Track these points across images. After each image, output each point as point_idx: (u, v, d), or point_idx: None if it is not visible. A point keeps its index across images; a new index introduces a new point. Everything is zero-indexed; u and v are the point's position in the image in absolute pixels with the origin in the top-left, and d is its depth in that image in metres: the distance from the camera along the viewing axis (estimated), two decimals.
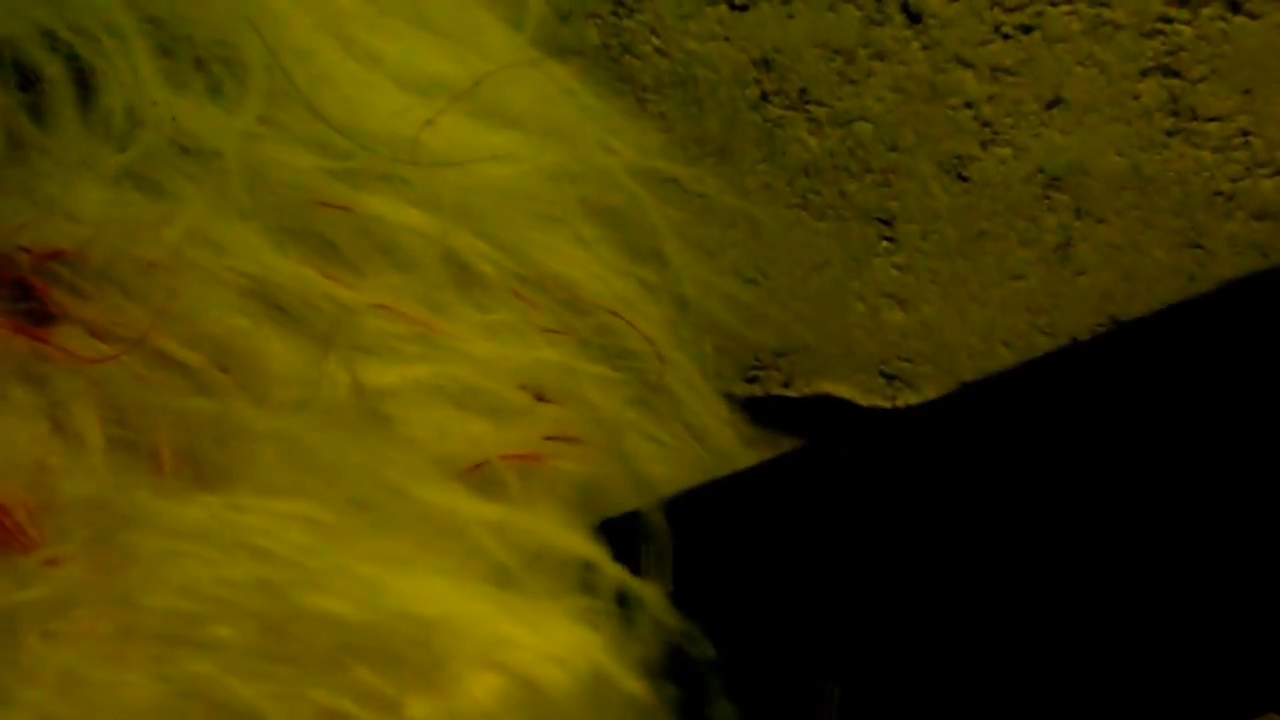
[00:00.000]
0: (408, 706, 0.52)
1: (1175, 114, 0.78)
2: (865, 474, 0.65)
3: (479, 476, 0.65)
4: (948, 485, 0.64)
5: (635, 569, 0.58)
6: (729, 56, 0.86)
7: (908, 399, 0.85)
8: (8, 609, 0.53)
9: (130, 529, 0.54)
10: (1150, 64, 0.77)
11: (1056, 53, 0.79)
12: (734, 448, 0.79)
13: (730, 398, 0.84)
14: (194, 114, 0.71)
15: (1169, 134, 0.78)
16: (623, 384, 0.74)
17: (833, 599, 0.62)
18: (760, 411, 0.87)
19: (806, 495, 0.65)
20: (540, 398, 0.71)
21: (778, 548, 0.64)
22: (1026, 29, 0.79)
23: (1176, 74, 0.77)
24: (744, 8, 0.85)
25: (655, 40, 0.87)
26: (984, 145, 0.81)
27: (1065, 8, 0.78)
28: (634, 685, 0.55)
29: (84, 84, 0.70)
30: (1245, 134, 0.77)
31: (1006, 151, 0.81)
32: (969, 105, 0.81)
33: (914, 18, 0.81)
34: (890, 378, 0.86)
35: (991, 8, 0.80)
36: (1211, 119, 0.77)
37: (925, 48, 0.81)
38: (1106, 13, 0.78)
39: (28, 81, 0.70)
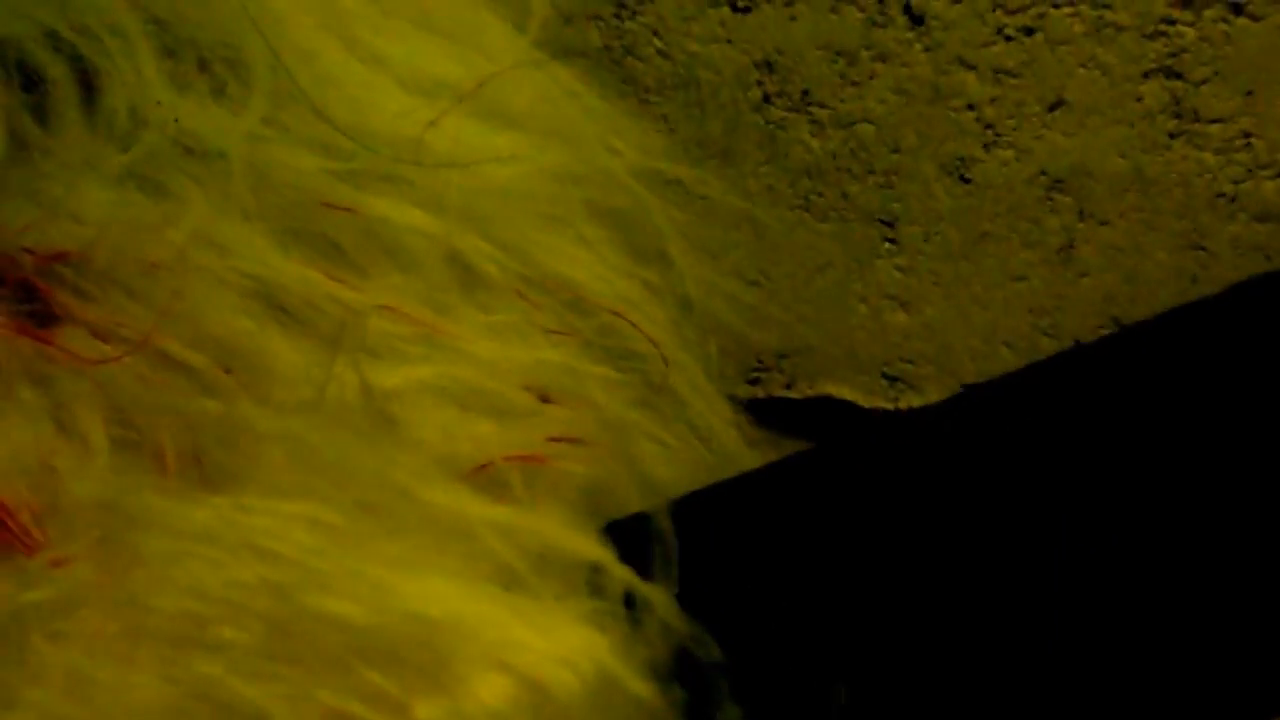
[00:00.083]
0: (415, 708, 0.52)
1: (1178, 116, 0.78)
2: (872, 477, 0.65)
3: (483, 477, 0.65)
4: (954, 487, 0.64)
5: (642, 571, 0.58)
6: (731, 58, 0.86)
7: (910, 401, 0.85)
8: (14, 610, 0.53)
9: (137, 530, 0.54)
10: (1153, 66, 0.78)
11: (1059, 55, 0.79)
12: (738, 449, 0.79)
13: (732, 399, 0.84)
14: (198, 115, 0.71)
15: (1171, 136, 0.78)
16: (626, 385, 0.74)
17: (840, 601, 0.62)
18: (762, 413, 0.88)
19: (814, 497, 0.65)
20: (544, 399, 0.71)
21: (785, 550, 0.64)
22: (1029, 31, 0.79)
23: (1179, 76, 0.77)
24: (746, 10, 0.85)
25: (658, 42, 0.87)
26: (986, 147, 0.81)
27: (1067, 10, 0.79)
28: (641, 687, 0.55)
29: (87, 85, 0.70)
30: (1247, 136, 0.77)
31: (1009, 153, 0.81)
32: (971, 107, 0.81)
33: (916, 19, 0.81)
34: (893, 379, 0.86)
35: (994, 10, 0.80)
36: (1214, 121, 0.77)
37: (928, 49, 0.81)
38: (1109, 14, 0.78)
39: (31, 82, 0.70)
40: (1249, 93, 0.76)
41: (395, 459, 0.59)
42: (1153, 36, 0.77)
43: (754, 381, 0.88)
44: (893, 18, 0.82)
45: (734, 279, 0.86)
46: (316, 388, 0.63)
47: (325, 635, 0.53)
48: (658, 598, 0.57)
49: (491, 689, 0.53)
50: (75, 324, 0.66)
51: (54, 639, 0.52)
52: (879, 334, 0.86)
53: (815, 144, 0.85)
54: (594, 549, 0.58)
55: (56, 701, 0.51)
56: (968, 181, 0.82)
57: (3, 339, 0.64)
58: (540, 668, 0.53)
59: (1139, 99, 0.78)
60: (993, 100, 0.81)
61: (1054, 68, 0.79)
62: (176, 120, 0.70)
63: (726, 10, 0.85)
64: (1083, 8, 0.78)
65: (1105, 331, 0.81)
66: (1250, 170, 0.77)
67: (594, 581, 0.58)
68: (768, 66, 0.85)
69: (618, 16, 0.87)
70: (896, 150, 0.83)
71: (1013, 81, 0.80)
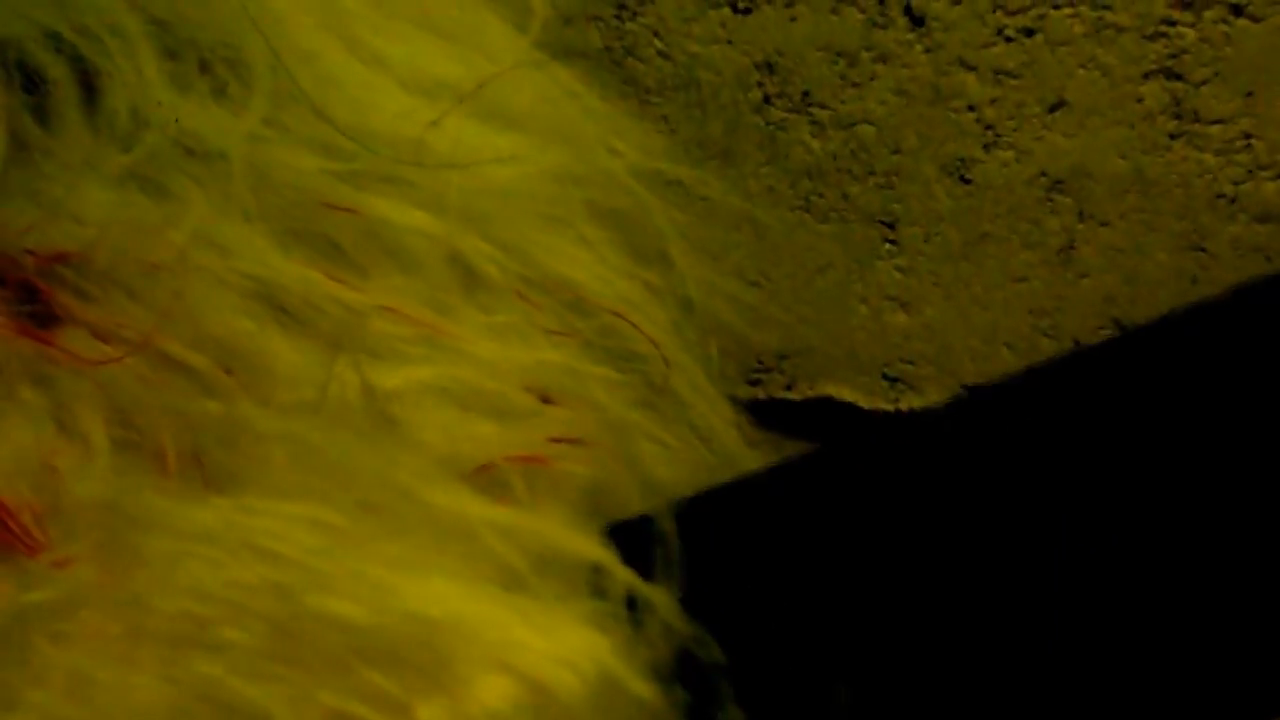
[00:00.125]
0: (417, 709, 0.52)
1: (1178, 117, 0.78)
2: (876, 478, 0.65)
3: (484, 478, 0.65)
4: (956, 489, 0.64)
5: (645, 573, 0.58)
6: (732, 59, 0.86)
7: (910, 401, 0.85)
8: (16, 611, 0.53)
9: (139, 531, 0.54)
10: (1153, 67, 0.78)
11: (1059, 55, 0.79)
12: (739, 450, 0.79)
13: (733, 400, 0.84)
14: (199, 116, 0.71)
15: (1171, 137, 0.78)
16: (627, 386, 0.74)
17: (843, 603, 0.62)
18: (763, 414, 0.88)
19: (817, 499, 0.65)
20: (545, 399, 0.71)
21: (788, 551, 0.64)
22: (1029, 32, 0.80)
23: (1179, 77, 0.77)
24: (746, 10, 0.85)
25: (658, 43, 0.87)
26: (986, 148, 0.82)
27: (1068, 10, 0.79)
28: (643, 688, 0.55)
29: (88, 86, 0.70)
30: (1248, 137, 0.77)
31: (1009, 154, 0.81)
32: (972, 108, 0.81)
33: (917, 20, 0.81)
34: (893, 380, 0.86)
35: (994, 10, 0.80)
36: (1214, 122, 0.77)
37: (928, 50, 0.82)
38: (1109, 15, 0.78)
39: (32, 83, 0.70)
40: (1249, 94, 0.76)
41: (397, 460, 0.58)
42: (1153, 37, 0.77)
43: (754, 382, 0.89)
44: (893, 19, 0.82)
45: (734, 280, 0.86)
46: (318, 388, 0.63)
47: (327, 636, 0.53)
48: (660, 599, 0.57)
49: (493, 690, 0.53)
50: (76, 325, 0.66)
51: (55, 640, 0.52)
52: (879, 335, 0.86)
53: (816, 145, 0.85)
54: (596, 550, 0.58)
55: (58, 702, 0.51)
56: (968, 182, 0.82)
57: (4, 340, 0.64)
58: (542, 669, 0.53)
59: (1139, 100, 0.78)
60: (993, 101, 0.81)
61: (1054, 69, 0.79)
62: (177, 121, 0.70)
63: (727, 11, 0.85)
64: (1083, 9, 0.78)
65: (1105, 332, 0.81)
66: (1250, 171, 0.77)
67: (596, 582, 0.58)
68: (768, 67, 0.85)
69: (618, 17, 0.87)
70: (897, 151, 0.83)
71: (1013, 82, 0.80)
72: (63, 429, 0.62)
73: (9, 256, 0.66)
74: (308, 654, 0.52)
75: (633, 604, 0.58)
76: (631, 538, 0.60)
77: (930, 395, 0.85)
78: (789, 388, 0.88)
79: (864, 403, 0.86)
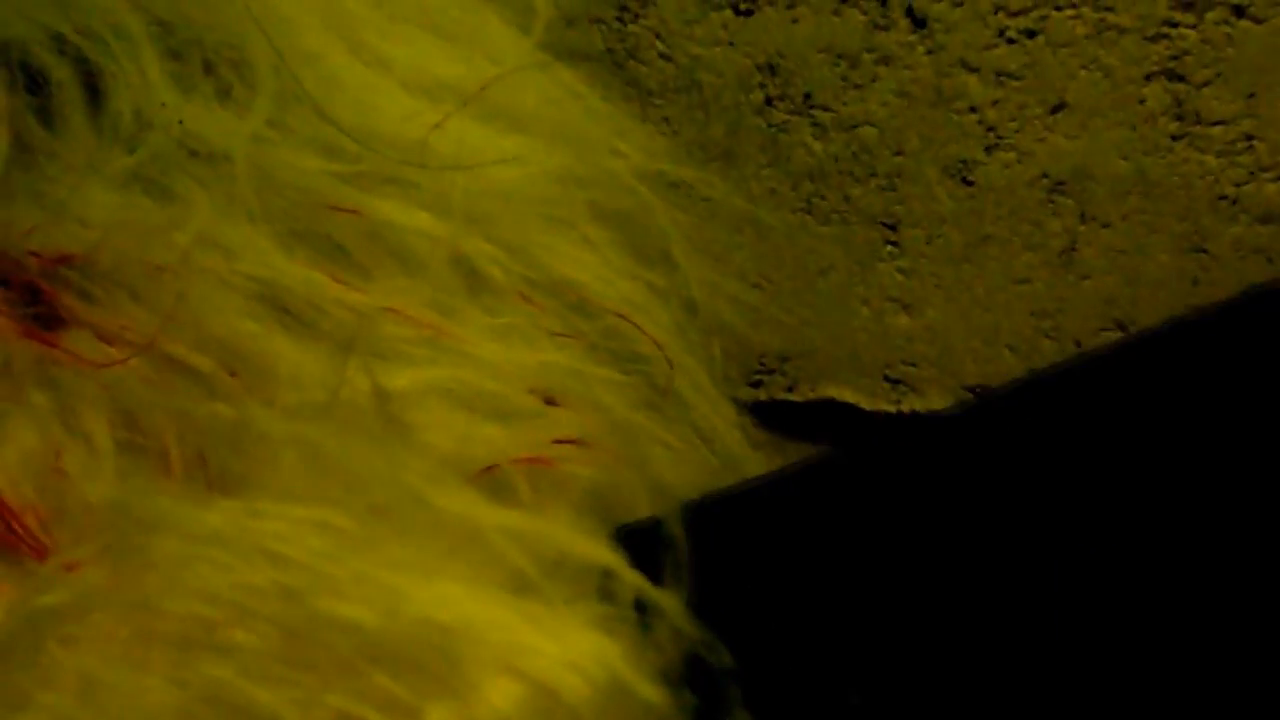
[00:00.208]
0: (426, 713, 0.52)
1: (1180, 118, 0.78)
2: (886, 484, 0.65)
3: (489, 480, 0.65)
4: (967, 492, 0.64)
5: (653, 577, 0.58)
6: (733, 61, 0.86)
7: (912, 403, 0.85)
8: (27, 614, 0.53)
9: (147, 534, 0.54)
10: (1155, 68, 0.78)
11: (1061, 57, 0.79)
12: (742, 451, 0.79)
13: (735, 401, 0.84)
14: (202, 117, 0.71)
15: (1173, 138, 0.78)
16: (631, 388, 0.74)
17: (851, 607, 0.62)
18: (764, 415, 0.88)
19: (825, 504, 0.65)
20: (549, 401, 0.71)
21: (796, 556, 0.64)
22: (1031, 33, 0.80)
23: (1181, 78, 0.77)
24: (748, 12, 0.85)
25: (660, 45, 0.87)
26: (988, 150, 0.82)
27: (1069, 12, 0.79)
28: (651, 692, 0.55)
29: (92, 87, 0.70)
30: (1249, 138, 0.77)
31: (1011, 156, 0.81)
32: (973, 110, 0.81)
33: (918, 22, 0.81)
34: (895, 382, 0.86)
35: (996, 12, 0.80)
36: (1216, 123, 0.77)
37: (930, 52, 0.82)
38: (1111, 17, 0.78)
39: (36, 85, 0.70)
40: (1251, 95, 0.76)
41: (405, 463, 0.58)
42: (1155, 39, 0.77)
43: (756, 384, 0.89)
44: (895, 20, 0.82)
45: (737, 281, 0.86)
46: (328, 391, 0.63)
47: (336, 639, 0.53)
48: (668, 603, 0.57)
49: (502, 693, 0.53)
50: (80, 327, 0.66)
51: (65, 643, 0.52)
52: (881, 336, 0.86)
53: (818, 147, 0.85)
54: (605, 554, 0.58)
55: (68, 705, 0.51)
56: (970, 184, 0.82)
57: (8, 341, 0.64)
58: (551, 672, 0.53)
59: (1141, 101, 0.78)
60: (995, 103, 0.81)
61: (1056, 70, 0.79)
62: (181, 122, 0.70)
63: (729, 13, 0.85)
64: (1085, 10, 0.78)
65: (1107, 334, 0.81)
66: (1252, 172, 0.77)
67: (604, 587, 0.58)
68: (770, 69, 0.85)
69: (620, 19, 0.87)
70: (899, 153, 0.83)
71: (1015, 84, 0.80)
72: (68, 431, 0.62)
73: (13, 258, 0.66)
74: (317, 657, 0.52)
75: (641, 608, 0.58)
76: (640, 542, 0.60)
77: (932, 397, 0.85)
78: (791, 389, 0.88)
79: (866, 404, 0.86)
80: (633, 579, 0.57)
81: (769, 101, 0.85)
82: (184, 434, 0.63)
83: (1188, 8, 0.76)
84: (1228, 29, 0.76)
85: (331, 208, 0.71)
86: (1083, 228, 0.80)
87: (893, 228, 0.84)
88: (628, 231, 0.79)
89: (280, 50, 0.71)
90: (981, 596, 0.62)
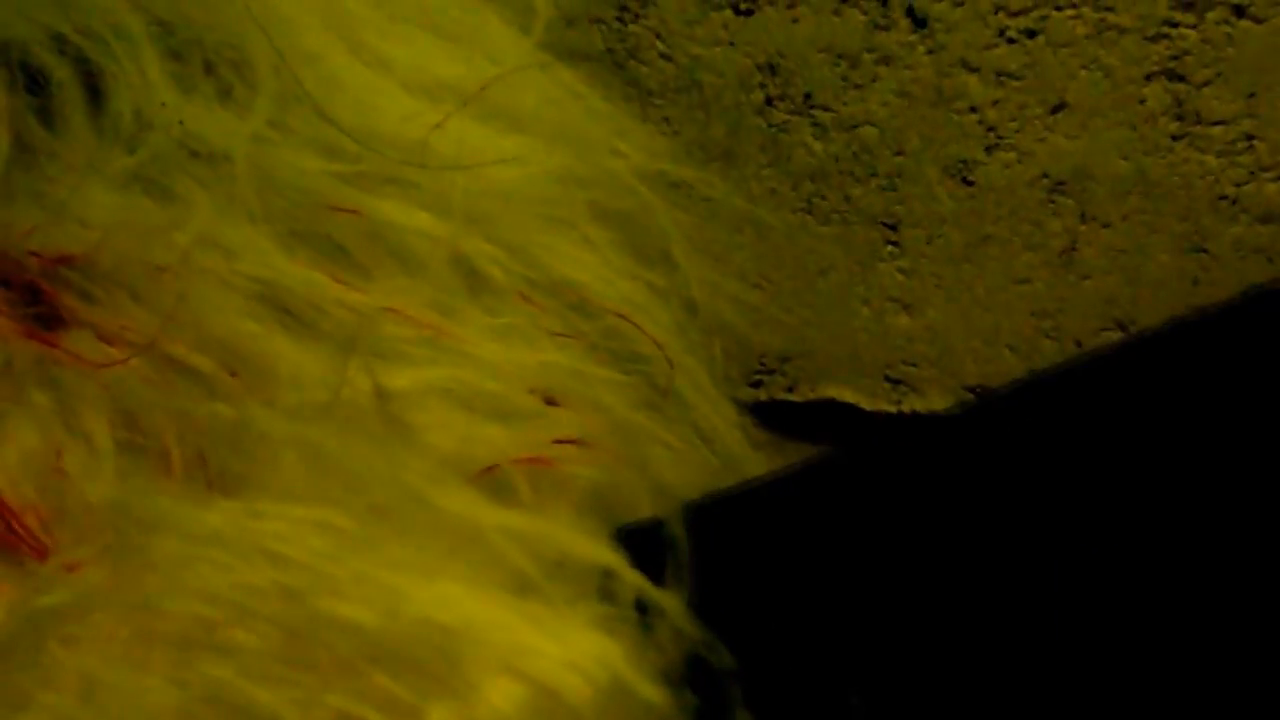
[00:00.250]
0: (427, 713, 0.52)
1: (1180, 118, 0.78)
2: (888, 485, 0.65)
3: (490, 480, 0.65)
4: (967, 493, 0.64)
5: (654, 577, 0.58)
6: (734, 61, 0.86)
7: (912, 404, 0.85)
8: (28, 614, 0.53)
9: (149, 534, 0.54)
10: (1155, 68, 0.78)
11: (1061, 57, 0.79)
12: (742, 451, 0.79)
13: (735, 402, 0.84)
14: (203, 117, 0.71)
15: (1174, 138, 0.78)
16: (632, 388, 0.74)
17: (853, 608, 0.62)
18: (764, 415, 0.88)
19: (827, 504, 0.65)
20: (550, 401, 0.71)
21: (798, 556, 0.64)
22: (1031, 33, 0.80)
23: (1181, 78, 0.77)
24: (748, 12, 0.85)
25: (660, 45, 0.87)
26: (989, 150, 0.82)
27: (1070, 12, 0.79)
28: (653, 693, 0.55)
29: (93, 87, 0.70)
30: (1250, 138, 0.77)
31: (1011, 156, 0.81)
32: (974, 110, 0.81)
33: (919, 22, 0.81)
34: (895, 382, 0.86)
35: (996, 12, 0.80)
36: (1216, 123, 0.77)
37: (930, 52, 0.82)
38: (1111, 17, 0.78)
39: (36, 85, 0.70)
40: (1251, 95, 0.76)
41: (405, 463, 0.58)
42: (1155, 39, 0.77)
43: (756, 384, 0.89)
44: (895, 20, 0.82)
45: (737, 281, 0.86)
46: (329, 391, 0.63)
47: (336, 639, 0.53)
48: (669, 603, 0.57)
49: (503, 694, 0.53)
50: (81, 327, 0.66)
51: (66, 643, 0.52)
52: (881, 336, 0.86)
53: (818, 147, 0.85)
54: (605, 554, 0.58)
55: (69, 705, 0.51)
56: (970, 184, 0.82)
57: (9, 342, 0.64)
58: (552, 673, 0.53)
59: (1141, 101, 0.78)
60: (995, 103, 0.81)
61: (1056, 70, 0.79)
62: (182, 123, 0.70)
63: (729, 13, 0.85)
64: (1085, 10, 0.78)
65: (1107, 333, 0.81)
66: (1252, 172, 0.77)
67: (605, 587, 0.58)
68: (770, 69, 0.85)
69: (620, 19, 0.87)
70: (899, 153, 0.83)
71: (1015, 84, 0.80)
72: (69, 431, 0.62)
73: (14, 259, 0.66)
74: (317, 657, 0.52)
75: (642, 608, 0.58)
76: (640, 542, 0.60)
77: (932, 397, 0.85)
78: (791, 389, 0.88)
79: (866, 404, 0.86)
80: (633, 579, 0.57)
81: (769, 101, 0.85)
82: (184, 434, 0.63)
83: (1188, 8, 0.76)
84: (1228, 29, 0.76)
85: (332, 208, 0.71)
86: (1083, 228, 0.80)
87: (893, 228, 0.84)
88: (628, 231, 0.79)
89: (280, 50, 0.71)
90: (982, 597, 0.62)
